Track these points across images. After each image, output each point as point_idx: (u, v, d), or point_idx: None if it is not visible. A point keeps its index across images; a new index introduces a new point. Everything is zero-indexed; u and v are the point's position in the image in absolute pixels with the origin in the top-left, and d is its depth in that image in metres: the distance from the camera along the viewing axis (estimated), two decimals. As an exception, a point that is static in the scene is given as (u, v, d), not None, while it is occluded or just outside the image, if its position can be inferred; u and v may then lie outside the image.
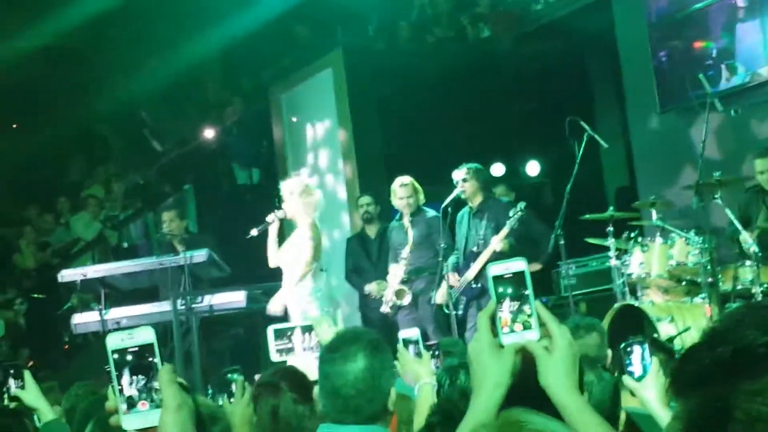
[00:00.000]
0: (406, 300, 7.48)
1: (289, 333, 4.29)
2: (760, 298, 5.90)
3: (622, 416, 2.92)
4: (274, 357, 4.30)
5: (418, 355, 3.45)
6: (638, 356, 2.69)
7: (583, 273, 8.29)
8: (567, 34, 9.86)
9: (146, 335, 1.51)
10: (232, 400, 3.96)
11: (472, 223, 7.40)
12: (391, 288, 7.53)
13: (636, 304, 6.37)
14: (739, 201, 6.90)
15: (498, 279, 1.58)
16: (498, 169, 9.93)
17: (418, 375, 3.26)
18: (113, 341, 1.50)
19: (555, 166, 10.00)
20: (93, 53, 12.88)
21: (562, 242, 7.11)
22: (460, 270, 7.34)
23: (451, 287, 7.23)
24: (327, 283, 7.09)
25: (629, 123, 9.31)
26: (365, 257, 8.08)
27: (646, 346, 2.70)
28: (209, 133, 11.94)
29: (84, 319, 7.51)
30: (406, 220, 7.58)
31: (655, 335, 5.62)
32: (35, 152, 12.62)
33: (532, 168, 10.62)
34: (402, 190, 7.59)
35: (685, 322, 5.92)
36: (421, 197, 7.67)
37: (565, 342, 1.56)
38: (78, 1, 11.04)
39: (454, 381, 3.27)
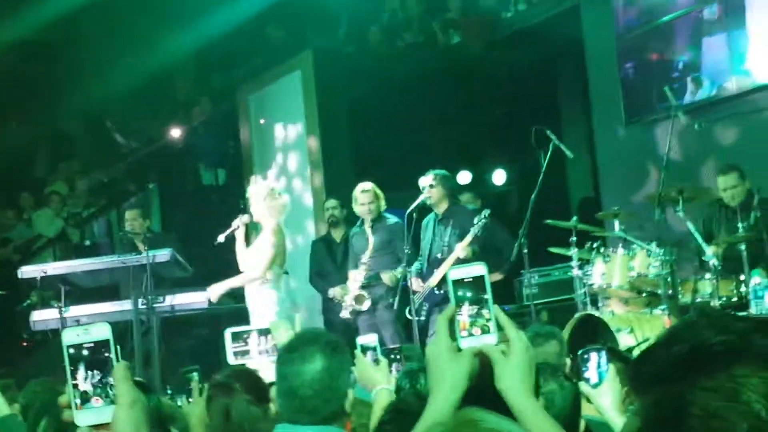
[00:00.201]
0: (366, 305, 7.48)
1: (245, 336, 4.28)
2: (718, 310, 5.99)
3: (582, 424, 2.94)
4: (231, 360, 4.29)
5: (376, 361, 3.45)
6: (595, 363, 2.71)
7: (546, 282, 8.33)
8: (537, 43, 9.92)
9: (102, 331, 1.50)
10: (190, 400, 3.95)
11: (437, 229, 7.43)
12: (351, 293, 7.53)
13: (596, 314, 6.42)
14: (703, 215, 6.99)
15: (458, 283, 1.59)
16: (465, 177, 9.97)
17: (375, 381, 3.26)
18: (69, 337, 1.50)
19: (521, 175, 10.06)
20: (65, 49, 12.78)
21: (525, 251, 7.16)
22: (423, 276, 7.36)
23: (414, 293, 7.24)
24: (288, 286, 7.08)
25: (595, 133, 9.38)
26: (330, 260, 8.07)
27: (604, 353, 2.73)
28: (176, 133, 11.87)
29: (43, 317, 7.43)
30: (367, 226, 7.59)
31: (613, 345, 5.67)
32: (0, 146, 12.47)
33: (499, 177, 10.66)
34: (363, 196, 7.59)
35: (645, 334, 5.97)
36: (383, 204, 7.66)
37: (522, 346, 1.57)
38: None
39: (414, 385, 3.28)
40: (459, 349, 1.57)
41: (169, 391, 5.93)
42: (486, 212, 7.12)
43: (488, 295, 1.58)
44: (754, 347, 1.01)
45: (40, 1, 11.02)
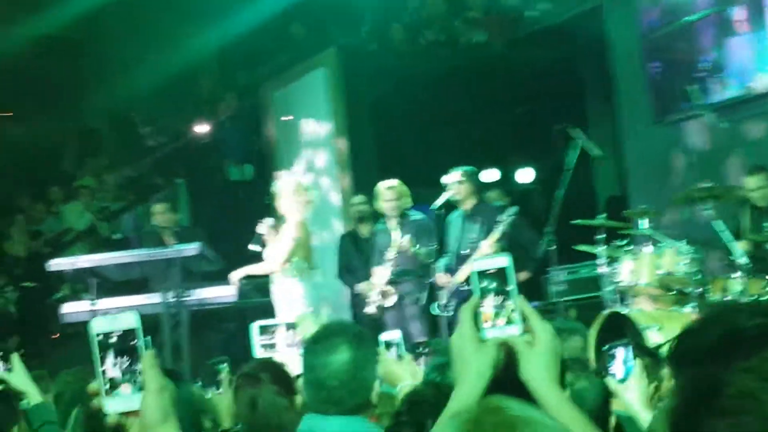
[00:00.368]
0: (391, 301, 7.50)
1: (272, 329, 4.31)
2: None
3: (612, 420, 2.93)
4: (259, 353, 4.32)
5: (399, 357, 3.45)
6: (621, 359, 2.71)
7: (574, 279, 8.31)
8: (560, 42, 9.89)
9: (130, 320, 1.53)
10: (219, 391, 3.99)
11: (464, 226, 7.43)
12: (376, 289, 7.55)
13: (624, 311, 6.39)
14: (731, 214, 6.94)
15: (482, 274, 1.60)
16: (492, 175, 9.94)
17: (399, 377, 3.25)
18: (97, 325, 1.53)
19: (547, 174, 10.03)
20: (91, 45, 12.88)
21: (553, 248, 7.14)
22: (451, 272, 7.37)
23: (441, 288, 7.26)
24: (313, 281, 7.11)
25: (622, 132, 9.34)
26: (357, 256, 8.09)
27: (630, 348, 2.73)
28: (202, 128, 11.94)
29: (73, 309, 7.50)
30: (392, 223, 7.59)
31: (641, 342, 5.64)
32: (29, 141, 12.59)
33: (525, 174, 10.63)
34: (388, 193, 7.59)
35: (674, 331, 5.93)
36: (408, 201, 7.65)
37: (547, 337, 1.58)
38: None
39: (443, 379, 3.28)
40: (483, 340, 1.58)
41: (199, 383, 5.98)
42: (513, 209, 7.12)
43: (512, 286, 1.59)
44: None
45: (66, -2, 11.14)
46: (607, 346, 2.75)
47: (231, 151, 12.07)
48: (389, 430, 2.23)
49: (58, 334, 9.83)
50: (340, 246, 8.31)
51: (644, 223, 6.74)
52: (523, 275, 7.76)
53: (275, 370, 3.38)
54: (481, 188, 7.80)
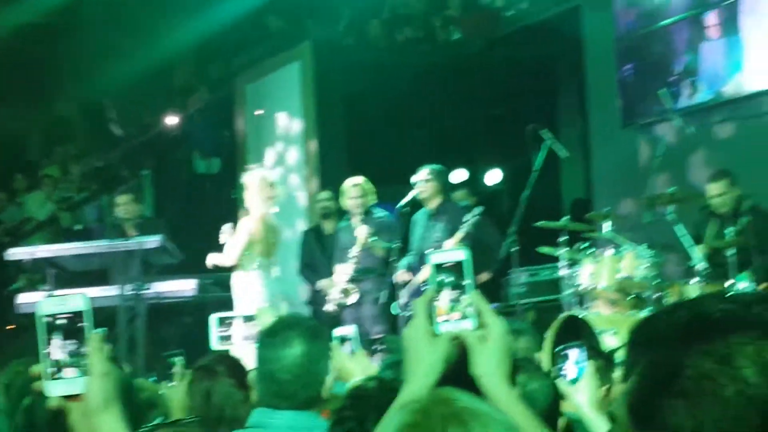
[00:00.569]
0: (352, 299, 7.48)
1: (229, 321, 4.29)
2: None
3: (561, 422, 2.94)
4: (215, 344, 4.30)
5: (353, 353, 3.43)
6: (573, 360, 2.71)
7: (534, 282, 8.32)
8: (536, 42, 9.92)
9: (78, 302, 1.50)
10: (171, 383, 3.95)
11: (429, 225, 7.42)
12: (337, 286, 7.53)
13: (582, 314, 6.42)
14: (694, 220, 7.00)
15: (439, 267, 1.59)
16: (460, 175, 9.95)
17: (351, 373, 3.23)
18: (45, 306, 1.49)
19: (515, 174, 10.06)
20: (65, 33, 12.73)
21: (514, 249, 7.16)
22: (413, 270, 7.36)
23: (402, 287, 7.26)
24: (271, 277, 7.07)
25: (591, 135, 9.39)
26: (320, 252, 8.06)
27: (583, 350, 2.73)
28: (172, 120, 11.85)
29: (29, 299, 7.41)
30: (356, 221, 7.59)
31: (596, 345, 5.67)
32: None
33: (493, 175, 10.66)
34: (353, 190, 7.59)
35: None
36: (372, 198, 7.66)
37: (499, 333, 1.57)
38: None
39: (397, 376, 3.26)
40: (436, 334, 1.57)
41: (153, 378, 5.92)
42: (478, 209, 7.12)
43: (468, 281, 1.58)
44: (754, 316, 1.04)
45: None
46: (559, 348, 2.75)
47: (199, 143, 12.00)
48: (333, 424, 2.22)
49: (12, 326, 9.69)
50: (302, 242, 8.28)
51: (606, 227, 6.78)
52: (484, 276, 7.78)
53: (231, 364, 3.37)
54: (448, 187, 7.80)
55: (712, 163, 7.92)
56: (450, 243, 7.04)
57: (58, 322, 1.49)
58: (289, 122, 10.61)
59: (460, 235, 7.03)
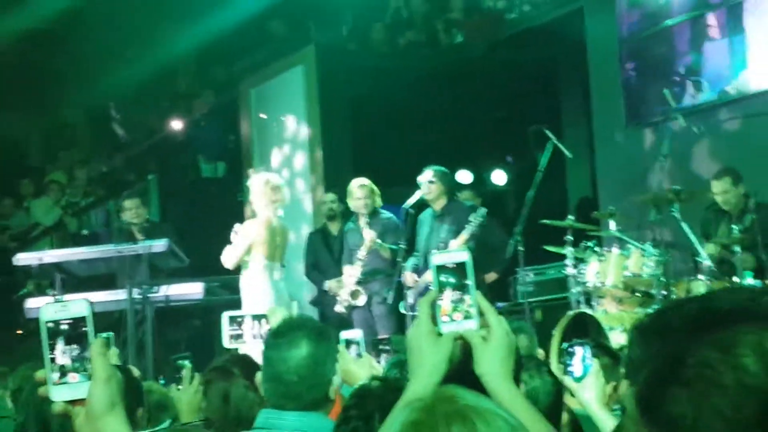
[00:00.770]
0: (361, 301, 7.50)
1: (240, 320, 4.31)
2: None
3: (565, 417, 2.95)
4: (227, 343, 4.32)
5: (360, 356, 3.44)
6: (580, 357, 2.72)
7: (541, 280, 8.33)
8: (539, 44, 9.93)
9: (80, 308, 1.51)
10: (180, 386, 3.96)
11: (434, 225, 7.43)
12: (346, 288, 7.55)
13: (589, 312, 6.43)
14: (700, 217, 7.01)
15: (441, 268, 1.61)
16: (465, 177, 9.95)
17: (357, 376, 3.24)
18: (47, 312, 1.50)
19: (521, 176, 10.06)
20: (69, 38, 12.78)
21: (521, 248, 7.17)
22: (419, 271, 7.37)
23: (409, 288, 7.27)
24: (274, 278, 7.08)
25: (595, 135, 9.39)
26: (326, 253, 8.07)
27: (589, 347, 2.74)
28: (177, 124, 11.88)
29: (38, 304, 7.43)
30: (362, 222, 7.60)
31: (604, 342, 5.68)
32: (1, 134, 12.49)
33: (498, 177, 10.66)
34: (359, 191, 7.61)
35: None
36: (378, 200, 7.68)
37: (502, 333, 1.59)
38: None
39: (405, 374, 3.28)
40: (440, 334, 1.58)
41: (162, 381, 5.94)
42: (482, 211, 7.11)
43: (470, 281, 1.59)
44: (761, 307, 1.05)
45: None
46: (565, 344, 2.76)
47: (205, 147, 12.02)
48: (338, 423, 2.23)
49: (22, 331, 9.73)
50: (308, 243, 8.29)
51: (612, 225, 6.78)
52: (491, 276, 7.79)
53: (246, 364, 3.37)
54: (453, 188, 7.81)
55: (717, 161, 7.92)
56: (455, 243, 7.05)
57: (62, 327, 1.50)
58: (293, 125, 10.63)
59: (465, 235, 7.03)
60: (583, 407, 2.73)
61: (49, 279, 8.11)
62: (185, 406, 3.62)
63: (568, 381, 2.73)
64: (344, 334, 3.59)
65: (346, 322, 7.37)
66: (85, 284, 7.69)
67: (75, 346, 1.49)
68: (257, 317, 4.33)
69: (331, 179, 9.74)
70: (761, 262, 6.28)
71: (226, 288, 7.42)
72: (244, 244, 6.80)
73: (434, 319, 1.60)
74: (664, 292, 6.22)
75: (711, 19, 8.31)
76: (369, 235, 7.37)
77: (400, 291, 7.38)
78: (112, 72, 12.06)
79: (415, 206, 7.46)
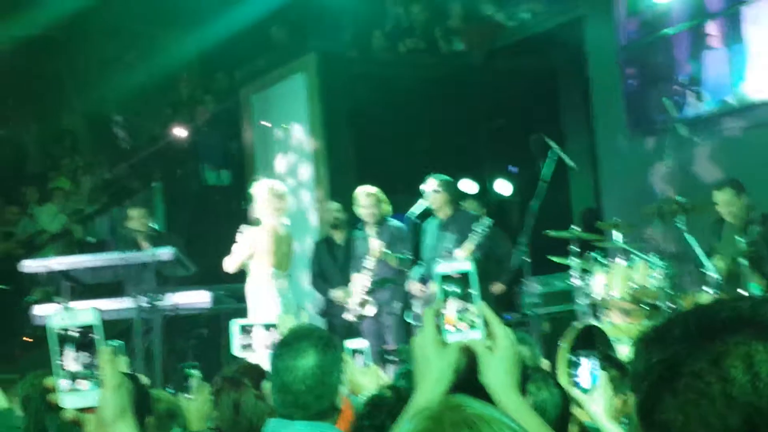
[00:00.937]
0: (371, 311, 7.49)
1: (249, 329, 4.31)
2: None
3: (575, 430, 2.94)
4: (237, 352, 4.32)
5: (366, 366, 3.43)
6: (586, 368, 2.72)
7: (547, 292, 8.31)
8: (539, 53, 9.94)
9: (88, 316, 1.52)
10: (188, 395, 3.98)
11: (439, 235, 7.43)
12: (356, 297, 7.54)
13: (596, 324, 6.41)
14: (706, 230, 6.99)
15: (445, 278, 1.61)
16: (470, 187, 9.94)
17: (361, 386, 3.23)
18: (56, 321, 1.52)
19: (524, 186, 10.06)
20: (70, 46, 12.82)
21: (527, 259, 7.16)
22: (425, 281, 7.37)
23: (413, 297, 7.26)
24: (281, 286, 7.09)
25: (597, 144, 9.39)
26: (331, 262, 8.07)
27: (596, 359, 2.74)
28: (180, 132, 11.90)
29: (45, 312, 7.44)
30: (370, 230, 7.60)
31: (612, 354, 5.66)
32: (4, 141, 12.51)
33: (503, 187, 10.65)
34: (366, 199, 7.59)
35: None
36: (386, 208, 7.66)
37: (507, 342, 1.59)
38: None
39: (412, 384, 3.27)
40: (445, 343, 1.59)
41: (170, 390, 5.95)
42: (488, 221, 7.11)
43: (475, 291, 1.60)
44: (760, 317, 1.07)
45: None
46: (571, 355, 2.76)
47: (208, 155, 12.03)
48: (351, 432, 2.25)
49: (28, 338, 9.74)
50: (314, 252, 8.29)
51: (617, 236, 6.77)
52: (498, 287, 7.76)
53: (256, 374, 3.38)
54: (457, 197, 7.81)
55: (719, 171, 7.91)
56: (460, 253, 7.05)
57: (71, 334, 1.51)
58: (295, 133, 10.64)
59: (470, 246, 7.03)
60: (592, 420, 2.73)
61: (56, 286, 8.11)
62: (194, 415, 3.64)
63: (576, 393, 2.72)
64: (350, 344, 3.58)
65: (353, 332, 7.36)
66: (92, 292, 7.70)
67: (85, 353, 1.50)
68: (267, 326, 4.33)
69: (335, 187, 9.75)
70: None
71: (232, 296, 7.43)
72: (245, 250, 6.81)
73: (439, 329, 1.60)
74: (671, 305, 6.21)
75: (711, 28, 8.32)
76: (376, 244, 7.37)
77: (407, 300, 7.38)
78: (114, 79, 12.10)
79: (420, 216, 7.46)
